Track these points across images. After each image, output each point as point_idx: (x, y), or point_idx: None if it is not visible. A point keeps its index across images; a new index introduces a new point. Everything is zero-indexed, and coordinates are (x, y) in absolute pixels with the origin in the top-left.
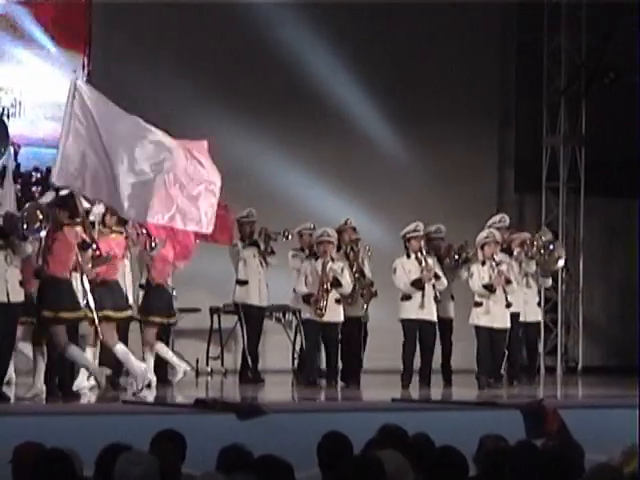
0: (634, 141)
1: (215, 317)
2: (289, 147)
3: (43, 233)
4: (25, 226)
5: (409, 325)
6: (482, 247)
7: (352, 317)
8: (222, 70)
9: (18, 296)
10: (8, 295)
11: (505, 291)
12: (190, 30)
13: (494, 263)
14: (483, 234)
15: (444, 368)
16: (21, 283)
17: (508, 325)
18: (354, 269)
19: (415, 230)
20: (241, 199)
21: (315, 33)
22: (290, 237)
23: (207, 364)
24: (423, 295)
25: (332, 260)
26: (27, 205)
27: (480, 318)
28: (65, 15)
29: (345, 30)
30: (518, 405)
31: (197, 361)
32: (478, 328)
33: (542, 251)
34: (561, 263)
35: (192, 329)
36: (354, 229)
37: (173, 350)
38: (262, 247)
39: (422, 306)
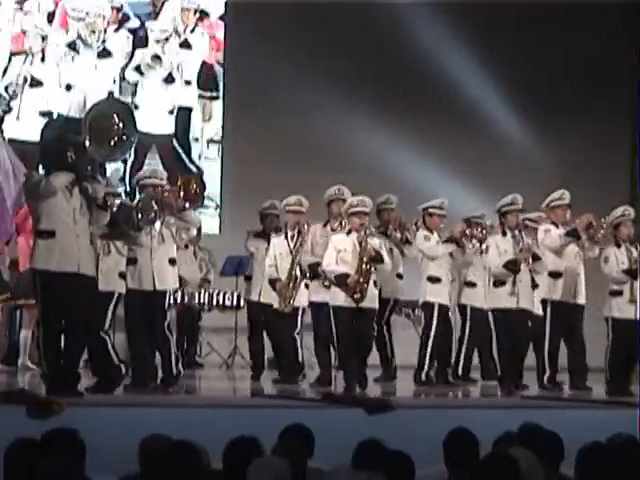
0: None
1: None
2: (421, 142)
3: (158, 224)
4: (140, 216)
5: (501, 316)
6: (616, 227)
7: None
8: (357, 68)
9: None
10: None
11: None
12: (323, 29)
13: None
14: (618, 211)
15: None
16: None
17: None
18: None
19: (512, 203)
20: (374, 194)
21: (449, 32)
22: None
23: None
24: (515, 280)
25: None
26: (142, 195)
27: (622, 309)
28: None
29: (480, 29)
30: None
31: None
32: (618, 321)
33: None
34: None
35: None
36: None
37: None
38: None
39: (514, 293)
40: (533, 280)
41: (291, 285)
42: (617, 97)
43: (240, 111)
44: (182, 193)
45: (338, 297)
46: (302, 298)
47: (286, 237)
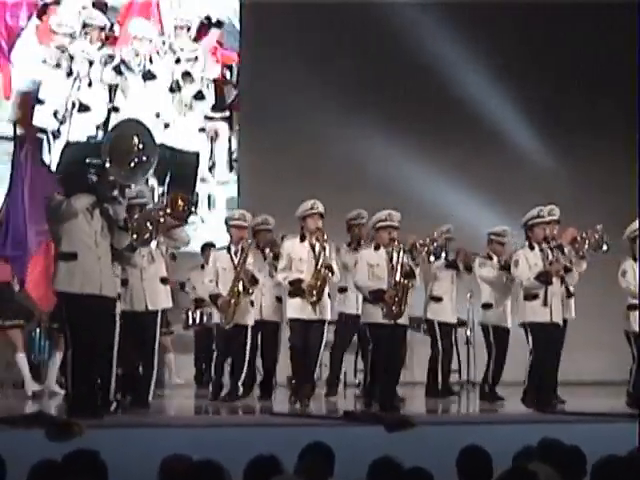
0: None
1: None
2: (440, 160)
3: (153, 244)
4: (135, 237)
5: (534, 329)
6: (633, 240)
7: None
8: (373, 87)
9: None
10: None
11: None
12: (341, 50)
13: None
14: (634, 225)
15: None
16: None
17: None
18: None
19: (539, 216)
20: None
21: (467, 48)
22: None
23: (355, 376)
24: (547, 292)
25: (403, 250)
26: (136, 216)
27: None
28: None
29: (496, 44)
30: None
31: (345, 373)
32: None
33: (595, 250)
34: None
35: None
36: (321, 215)
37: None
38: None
39: (547, 305)
40: (568, 290)
41: (233, 301)
42: (623, 98)
43: (254, 128)
44: (169, 210)
45: (373, 314)
46: (249, 316)
47: (229, 252)
